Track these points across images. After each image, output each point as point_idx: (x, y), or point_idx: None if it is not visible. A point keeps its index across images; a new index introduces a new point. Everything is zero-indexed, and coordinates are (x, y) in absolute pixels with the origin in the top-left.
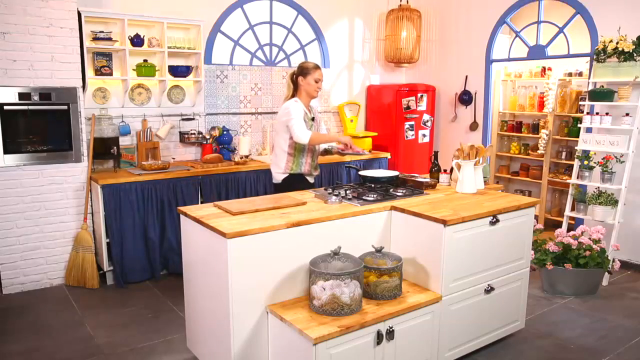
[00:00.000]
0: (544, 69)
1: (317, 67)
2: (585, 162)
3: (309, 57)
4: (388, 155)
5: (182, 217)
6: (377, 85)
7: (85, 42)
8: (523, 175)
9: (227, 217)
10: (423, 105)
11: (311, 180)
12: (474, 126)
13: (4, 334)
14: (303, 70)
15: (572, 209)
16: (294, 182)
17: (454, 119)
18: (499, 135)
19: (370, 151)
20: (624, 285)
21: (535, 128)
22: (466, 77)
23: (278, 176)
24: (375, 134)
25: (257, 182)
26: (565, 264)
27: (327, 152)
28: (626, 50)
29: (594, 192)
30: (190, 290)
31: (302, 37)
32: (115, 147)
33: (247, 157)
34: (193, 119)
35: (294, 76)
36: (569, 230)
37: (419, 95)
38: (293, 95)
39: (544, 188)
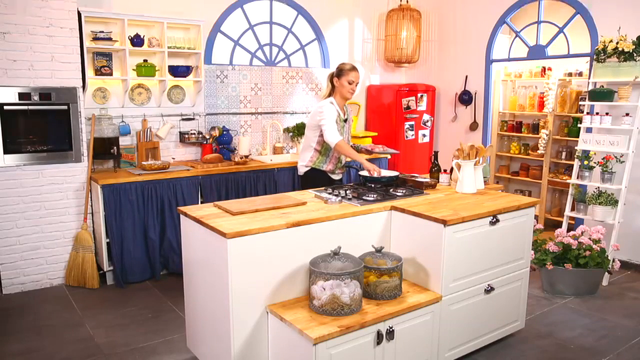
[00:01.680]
0: (544, 69)
1: (353, 68)
2: (585, 162)
3: (309, 57)
4: (388, 155)
5: (182, 217)
6: (377, 85)
7: (85, 42)
8: (523, 175)
9: (227, 217)
10: (423, 105)
11: (335, 177)
12: (474, 126)
13: (4, 334)
14: (339, 71)
15: (572, 209)
16: (317, 176)
17: (454, 119)
18: (499, 135)
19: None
20: (624, 285)
21: (535, 128)
22: (466, 77)
23: (301, 169)
24: (376, 134)
25: (257, 182)
26: (565, 264)
27: (355, 149)
28: (626, 50)
29: (594, 192)
30: (190, 290)
31: (302, 37)
32: (115, 147)
33: (247, 157)
34: (193, 119)
35: (332, 76)
36: (569, 230)
37: (419, 95)
38: (330, 95)
39: (544, 188)
